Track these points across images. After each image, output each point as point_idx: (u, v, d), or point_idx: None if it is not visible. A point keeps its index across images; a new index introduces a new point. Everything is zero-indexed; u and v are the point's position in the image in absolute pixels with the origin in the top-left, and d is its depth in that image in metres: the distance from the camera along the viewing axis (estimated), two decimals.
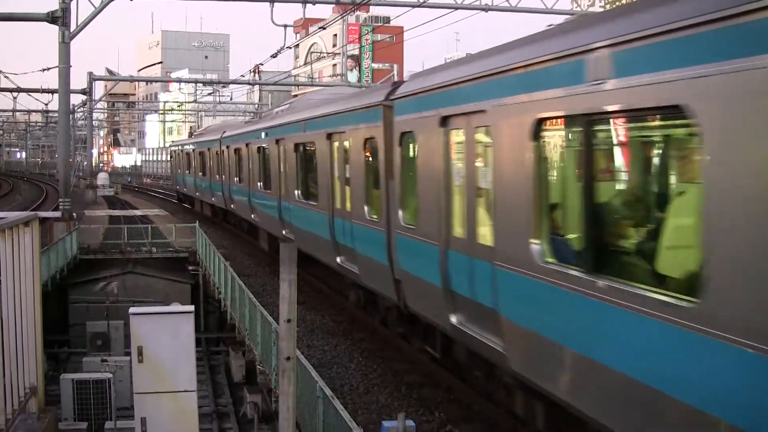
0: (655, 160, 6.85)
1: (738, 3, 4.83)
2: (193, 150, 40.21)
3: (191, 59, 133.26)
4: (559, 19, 19.63)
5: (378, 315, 14.73)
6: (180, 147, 48.63)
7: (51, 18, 22.41)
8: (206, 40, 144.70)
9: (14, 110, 64.09)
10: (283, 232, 19.87)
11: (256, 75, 48.25)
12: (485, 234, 8.67)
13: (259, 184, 23.17)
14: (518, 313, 7.91)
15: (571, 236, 7.27)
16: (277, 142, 20.19)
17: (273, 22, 30.51)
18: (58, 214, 24.69)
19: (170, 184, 75.15)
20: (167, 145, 55.35)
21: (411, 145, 11.19)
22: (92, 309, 21.86)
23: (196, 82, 64.69)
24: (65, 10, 22.36)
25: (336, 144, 15.06)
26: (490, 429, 10.20)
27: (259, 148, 23.05)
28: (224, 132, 31.40)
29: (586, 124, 6.69)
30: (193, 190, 41.24)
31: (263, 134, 22.36)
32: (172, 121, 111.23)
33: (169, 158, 58.73)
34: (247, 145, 24.99)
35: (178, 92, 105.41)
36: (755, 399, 4.85)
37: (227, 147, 29.56)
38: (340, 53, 74.59)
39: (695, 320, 5.25)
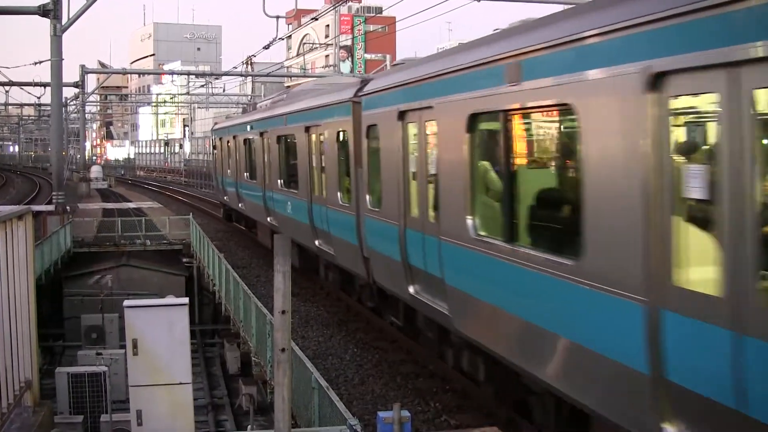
0: None
1: None
2: (261, 134, 21.24)
3: (183, 51, 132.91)
4: (554, 8, 17.84)
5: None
6: (230, 131, 27.33)
7: (42, 11, 22.27)
8: (198, 32, 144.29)
9: (6, 104, 63.78)
10: None
11: (249, 66, 48.12)
12: None
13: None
14: None
15: None
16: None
17: (265, 13, 30.55)
18: (51, 207, 24.60)
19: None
20: (212, 126, 34.69)
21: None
22: (87, 302, 21.84)
23: (188, 74, 64.64)
24: (57, 3, 22.22)
25: None
26: (486, 418, 10.23)
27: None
28: (367, 84, 12.78)
29: None
30: (261, 212, 21.65)
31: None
32: (164, 114, 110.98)
33: (211, 150, 36.32)
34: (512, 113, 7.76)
35: (171, 84, 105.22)
36: None
37: (404, 115, 10.57)
38: (332, 44, 74.33)
39: None
